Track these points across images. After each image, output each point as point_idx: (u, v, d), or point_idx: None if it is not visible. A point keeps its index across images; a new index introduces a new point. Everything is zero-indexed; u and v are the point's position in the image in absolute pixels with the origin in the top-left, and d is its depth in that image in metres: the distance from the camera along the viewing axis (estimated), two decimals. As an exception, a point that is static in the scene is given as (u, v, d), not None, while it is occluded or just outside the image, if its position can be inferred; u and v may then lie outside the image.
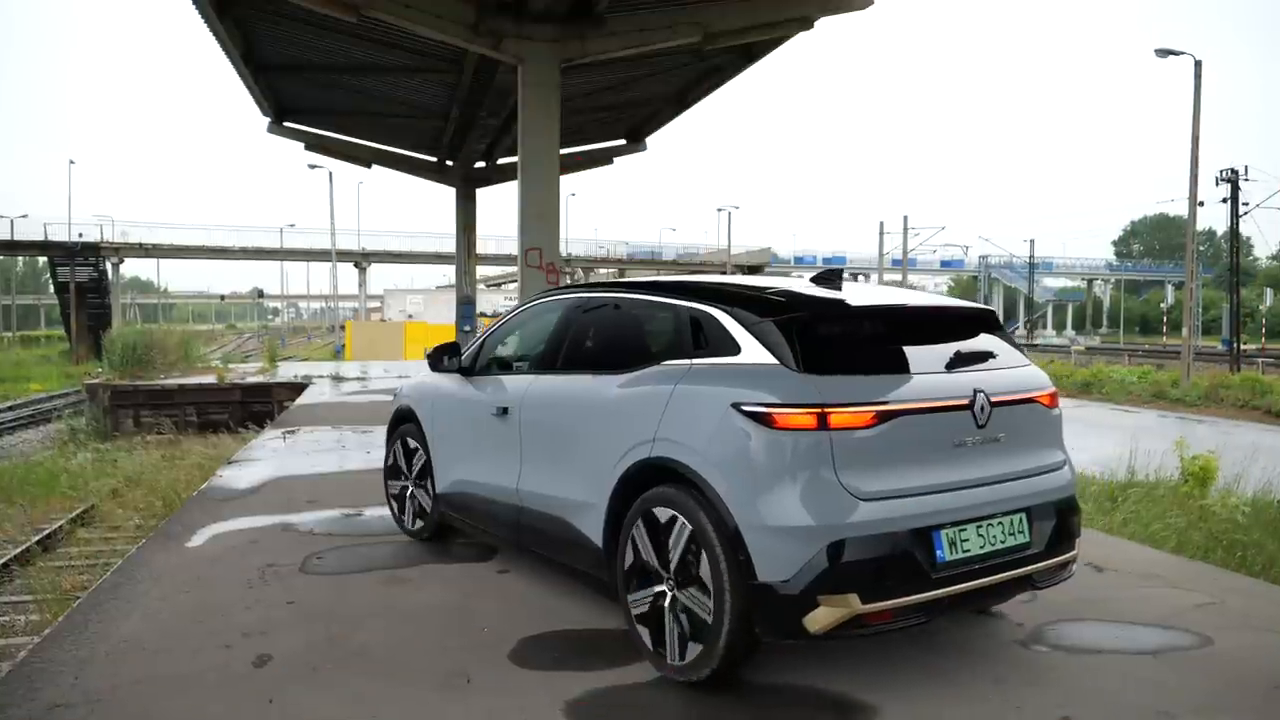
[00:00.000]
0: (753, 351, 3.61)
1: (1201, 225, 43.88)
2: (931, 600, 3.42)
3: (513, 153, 20.29)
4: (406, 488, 6.02)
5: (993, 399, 3.68)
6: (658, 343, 4.24)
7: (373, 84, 16.85)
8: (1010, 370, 3.94)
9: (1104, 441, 14.96)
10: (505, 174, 23.01)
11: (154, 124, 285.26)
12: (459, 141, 20.84)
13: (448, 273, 65.15)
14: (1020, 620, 4.41)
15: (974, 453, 3.65)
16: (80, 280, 47.04)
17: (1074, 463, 4.17)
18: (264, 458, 9.63)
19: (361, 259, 61.08)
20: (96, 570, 8.04)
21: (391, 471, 6.22)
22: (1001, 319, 4.30)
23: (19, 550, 9.58)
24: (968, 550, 3.51)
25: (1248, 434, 16.65)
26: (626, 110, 18.81)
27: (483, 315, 29.75)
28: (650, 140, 20.61)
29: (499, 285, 77.56)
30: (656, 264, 75.49)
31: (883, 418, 3.42)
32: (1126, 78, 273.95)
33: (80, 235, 51.45)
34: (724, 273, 66.81)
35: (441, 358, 5.57)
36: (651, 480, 3.80)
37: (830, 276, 4.09)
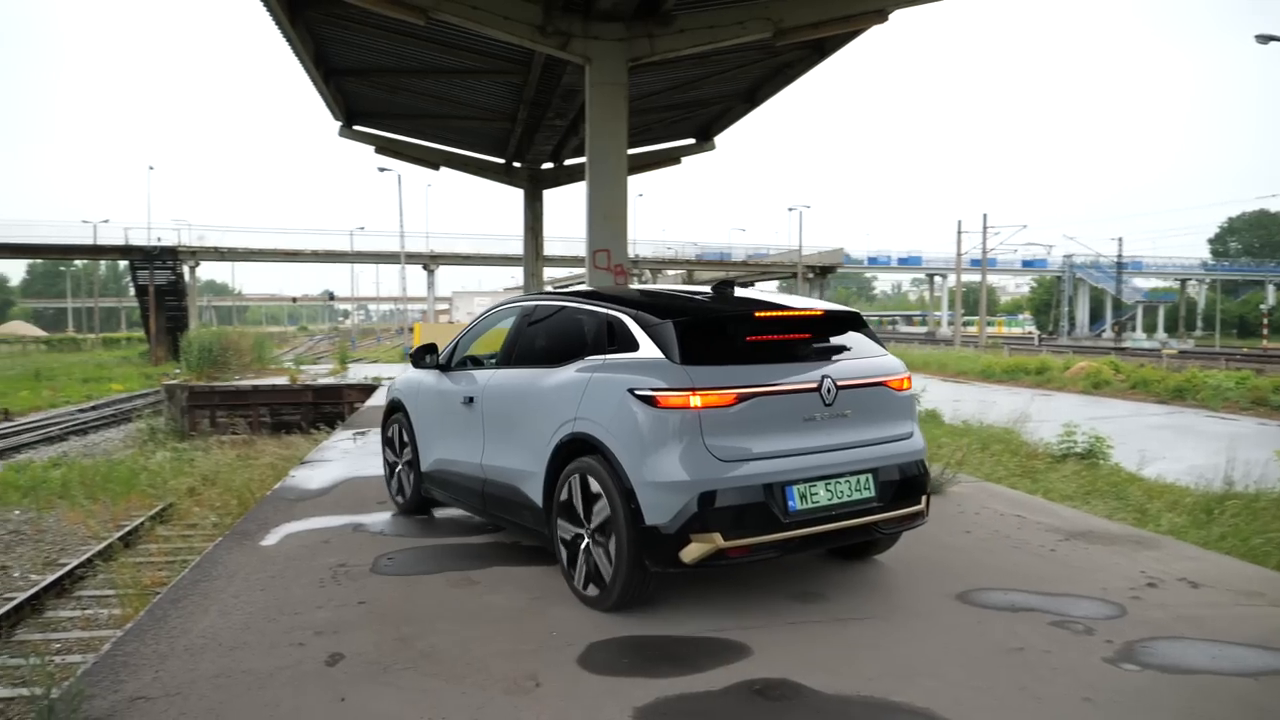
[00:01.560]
0: (647, 348, 4.64)
1: (1305, 221, 41.96)
2: (783, 540, 4.37)
3: (580, 153, 20.43)
4: (397, 465, 7.09)
5: (839, 383, 4.67)
6: (584, 341, 5.17)
7: (440, 86, 17.10)
8: (862, 360, 4.94)
9: (1199, 451, 14.46)
10: (573, 175, 23.15)
11: (230, 129, 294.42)
12: (526, 143, 21.02)
13: (515, 274, 65.84)
14: (1109, 637, 4.28)
15: (823, 425, 4.62)
16: (159, 283, 48.64)
17: (1164, 472, 4.07)
18: (335, 458, 9.85)
19: (430, 261, 62.06)
20: (175, 567, 8.33)
21: (386, 454, 7.31)
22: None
23: (102, 546, 9.98)
24: (817, 501, 4.47)
25: (1356, 443, 15.89)
26: (695, 109, 18.76)
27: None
28: (719, 139, 20.54)
29: (566, 287, 77.98)
30: (725, 265, 75.10)
31: (742, 398, 4.41)
32: (1224, 67, 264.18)
33: (159, 239, 53.35)
34: (794, 274, 66.32)
35: (423, 356, 6.66)
36: (574, 451, 4.80)
37: (724, 285, 5.27)
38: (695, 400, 4.34)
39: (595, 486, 4.61)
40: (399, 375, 7.43)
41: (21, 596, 8.34)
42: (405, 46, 14.30)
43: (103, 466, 15.06)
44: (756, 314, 4.82)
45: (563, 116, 18.04)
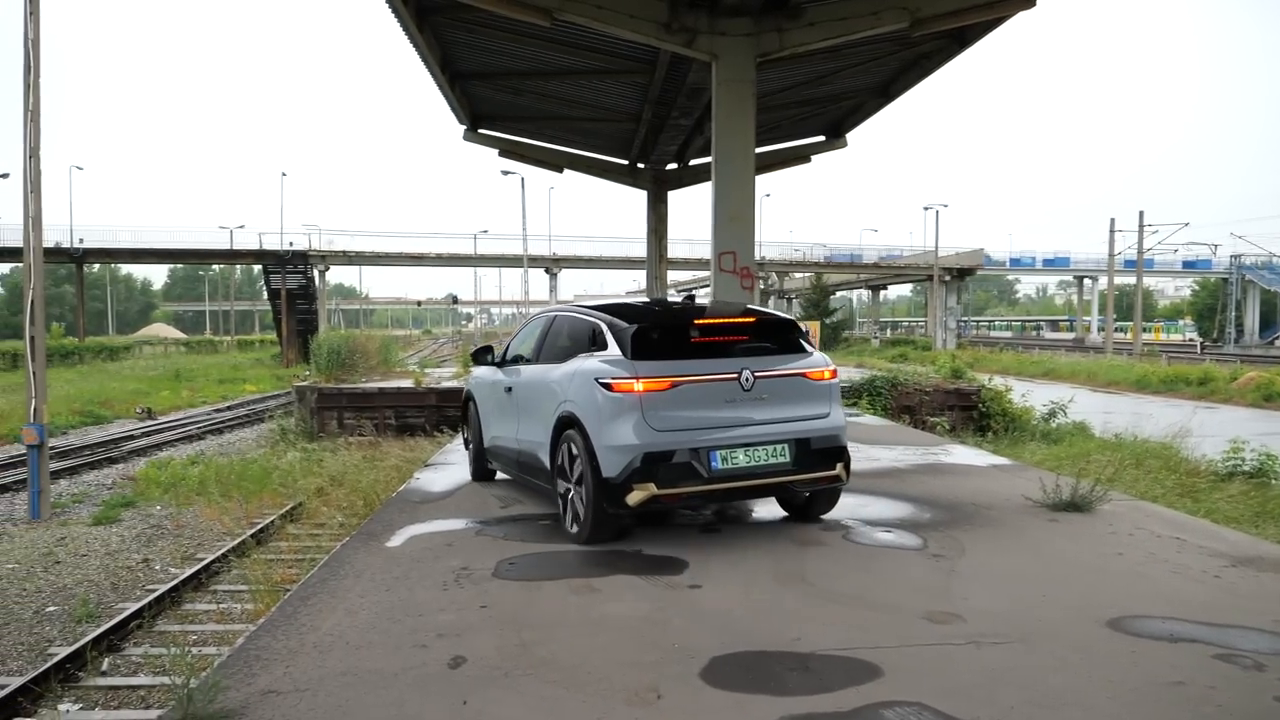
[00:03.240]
0: (613, 348, 6.28)
1: None
2: (706, 491, 6.01)
3: (705, 153, 20.42)
4: (470, 443, 9.04)
5: (757, 374, 6.11)
6: (578, 343, 6.80)
7: (565, 88, 17.41)
8: (786, 356, 6.43)
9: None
10: (698, 175, 23.18)
11: (356, 133, 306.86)
12: (650, 143, 21.17)
13: (638, 277, 66.32)
14: (1283, 672, 4.00)
15: (743, 406, 6.06)
16: (290, 287, 51.15)
17: None
18: (458, 462, 10.12)
19: (552, 264, 63.20)
20: (304, 565, 8.71)
21: (463, 434, 9.48)
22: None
23: (236, 542, 10.55)
24: (736, 463, 5.98)
25: None
26: (825, 105, 18.54)
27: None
28: (851, 136, 20.23)
29: (690, 290, 78.01)
30: (856, 267, 73.90)
31: (675, 384, 5.95)
32: None
33: (290, 244, 56.11)
34: (929, 277, 64.62)
35: (482, 356, 8.67)
36: (565, 425, 6.39)
37: (690, 297, 7.37)
38: (638, 386, 5.89)
39: (575, 450, 6.23)
40: (473, 372, 9.25)
41: (162, 589, 8.89)
42: (530, 48, 14.62)
43: (237, 465, 15.92)
44: (695, 321, 6.48)
45: (688, 115, 18.10)
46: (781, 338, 6.59)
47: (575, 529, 6.35)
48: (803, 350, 6.56)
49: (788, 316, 7.05)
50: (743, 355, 6.28)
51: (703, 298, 7.95)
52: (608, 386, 5.96)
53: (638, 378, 5.90)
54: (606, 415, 5.93)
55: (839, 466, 6.39)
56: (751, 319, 6.72)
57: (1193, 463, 13.21)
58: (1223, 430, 16.75)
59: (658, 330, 6.33)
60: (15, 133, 13.68)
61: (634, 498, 5.82)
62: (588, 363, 6.37)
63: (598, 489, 5.96)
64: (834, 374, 6.54)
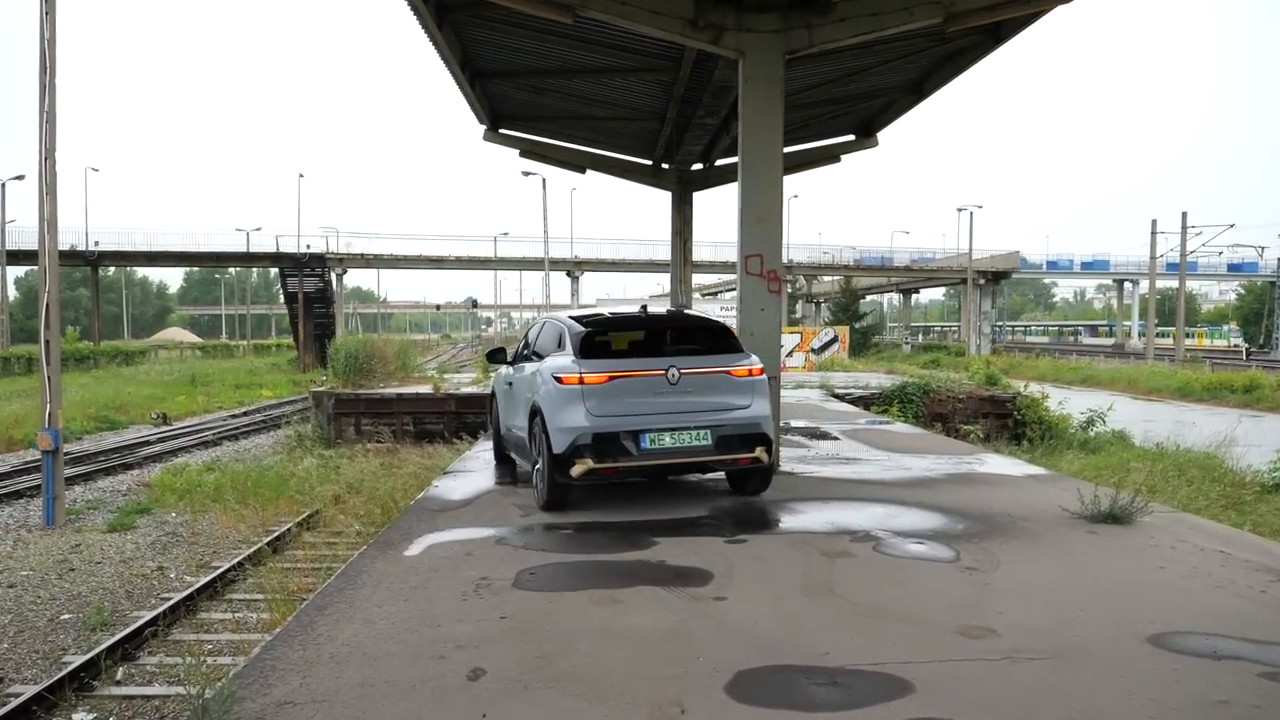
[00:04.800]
0: (568, 350, 7.70)
1: None
2: (637, 466, 7.39)
3: (731, 153, 20.38)
4: (492, 432, 10.61)
5: (683, 371, 7.42)
6: (554, 345, 8.19)
7: (588, 86, 17.42)
8: (713, 356, 7.72)
9: None
10: (724, 176, 23.09)
11: (374, 134, 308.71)
12: (675, 143, 21.13)
13: (662, 281, 66.32)
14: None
15: (669, 397, 7.37)
16: (307, 290, 51.44)
17: None
18: (477, 469, 10.18)
19: (574, 267, 63.29)
20: (320, 574, 8.77)
21: (490, 425, 11.09)
22: None
23: (252, 550, 10.63)
24: (663, 444, 7.29)
25: None
26: (855, 103, 18.45)
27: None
28: (882, 135, 20.12)
29: (715, 294, 78.05)
30: (887, 270, 73.56)
31: (611, 379, 7.32)
32: None
33: (308, 247, 56.53)
34: (963, 280, 64.24)
35: (495, 356, 10.17)
36: (535, 413, 7.70)
37: (643, 308, 8.34)
38: (582, 380, 7.28)
39: (538, 432, 7.57)
40: (498, 370, 10.49)
41: (177, 597, 8.98)
42: (552, 46, 14.66)
43: (253, 472, 16.03)
44: (635, 327, 8.13)
45: (714, 114, 18.08)
46: (711, 340, 7.95)
47: (538, 496, 7.80)
48: (733, 351, 7.88)
49: (719, 322, 8.55)
50: (672, 355, 7.66)
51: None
52: (559, 380, 7.41)
53: (581, 374, 7.31)
54: (558, 403, 7.34)
55: (759, 450, 7.57)
56: (685, 324, 8.47)
57: (1238, 473, 13.05)
58: (1269, 440, 16.56)
59: (601, 334, 7.82)
60: (25, 135, 13.92)
61: (576, 470, 7.18)
62: (550, 361, 7.84)
63: (549, 462, 7.36)
64: (759, 371, 7.79)
